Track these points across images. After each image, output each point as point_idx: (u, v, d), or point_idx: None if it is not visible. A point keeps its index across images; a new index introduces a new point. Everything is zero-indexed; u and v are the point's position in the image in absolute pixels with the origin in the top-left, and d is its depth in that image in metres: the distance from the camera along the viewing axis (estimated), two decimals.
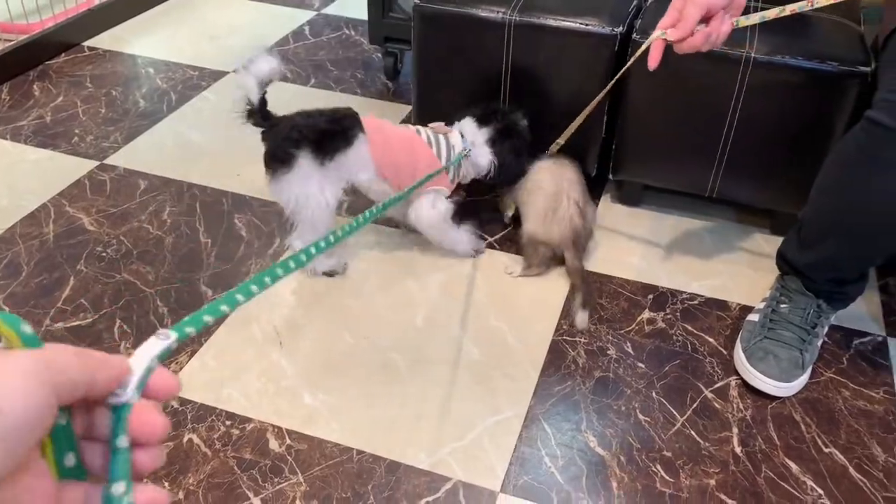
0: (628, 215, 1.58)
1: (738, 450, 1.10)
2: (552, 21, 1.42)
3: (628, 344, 1.27)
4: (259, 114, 1.24)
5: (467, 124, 1.39)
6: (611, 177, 1.56)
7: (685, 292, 1.38)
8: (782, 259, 1.23)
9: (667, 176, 1.52)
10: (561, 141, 1.42)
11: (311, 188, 1.26)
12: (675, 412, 1.16)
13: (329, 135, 1.26)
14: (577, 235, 1.36)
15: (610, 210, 1.59)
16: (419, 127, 1.38)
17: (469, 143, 1.37)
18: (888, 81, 1.03)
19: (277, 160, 1.25)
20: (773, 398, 1.17)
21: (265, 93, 1.25)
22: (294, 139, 1.24)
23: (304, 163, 1.24)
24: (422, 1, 1.49)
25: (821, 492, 1.05)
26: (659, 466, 1.08)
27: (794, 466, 1.08)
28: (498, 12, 1.44)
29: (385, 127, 1.34)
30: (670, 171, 1.51)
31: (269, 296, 1.34)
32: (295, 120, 1.26)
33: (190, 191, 1.60)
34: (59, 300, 1.31)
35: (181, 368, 1.19)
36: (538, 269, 1.39)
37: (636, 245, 1.50)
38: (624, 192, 1.60)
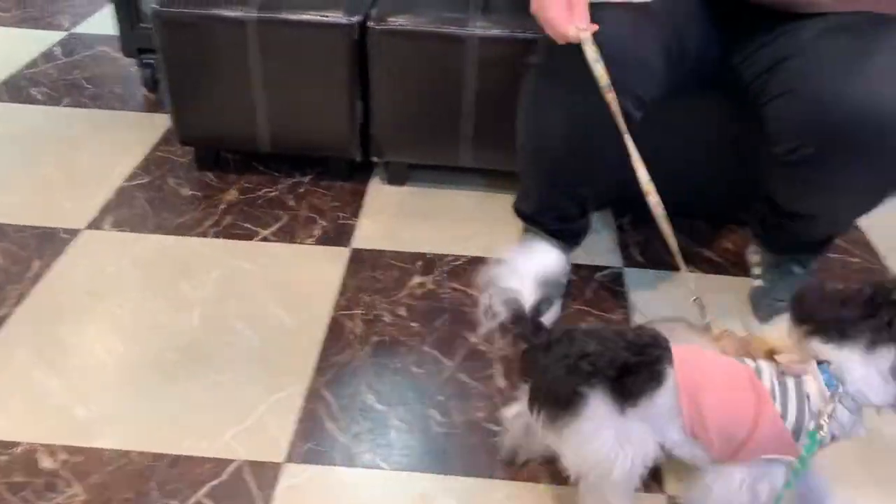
0: (396, 194, 1.67)
1: (501, 384, 1.22)
2: (292, 16, 1.48)
3: (402, 308, 1.36)
4: (530, 323, 0.93)
5: (848, 355, 0.83)
6: (374, 159, 1.65)
7: (450, 255, 1.49)
8: (517, 213, 1.37)
9: (421, 152, 1.63)
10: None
11: (606, 445, 0.87)
12: (445, 361, 1.25)
13: (632, 368, 0.86)
14: None
15: (380, 191, 1.68)
16: (759, 360, 0.90)
17: (842, 386, 0.83)
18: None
19: (558, 401, 0.88)
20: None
21: (540, 301, 0.94)
22: (585, 372, 0.86)
23: (599, 407, 0.87)
24: (160, 5, 1.49)
25: None
26: (433, 411, 1.16)
27: None
28: (238, 10, 1.47)
29: (700, 358, 0.90)
30: (423, 148, 1.62)
31: (31, 319, 1.29)
32: (582, 342, 0.88)
33: None
34: None
35: None
36: None
37: (404, 221, 1.59)
38: (390, 172, 1.69)
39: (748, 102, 1.18)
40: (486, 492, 1.05)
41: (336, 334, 1.29)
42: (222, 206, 1.59)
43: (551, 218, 1.31)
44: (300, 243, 1.50)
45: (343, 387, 1.19)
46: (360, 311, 1.34)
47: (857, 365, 0.83)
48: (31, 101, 1.95)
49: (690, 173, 1.54)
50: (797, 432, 0.85)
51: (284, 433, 1.11)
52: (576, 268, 1.45)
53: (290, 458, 1.08)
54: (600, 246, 1.53)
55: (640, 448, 0.87)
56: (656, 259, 1.50)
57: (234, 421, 1.13)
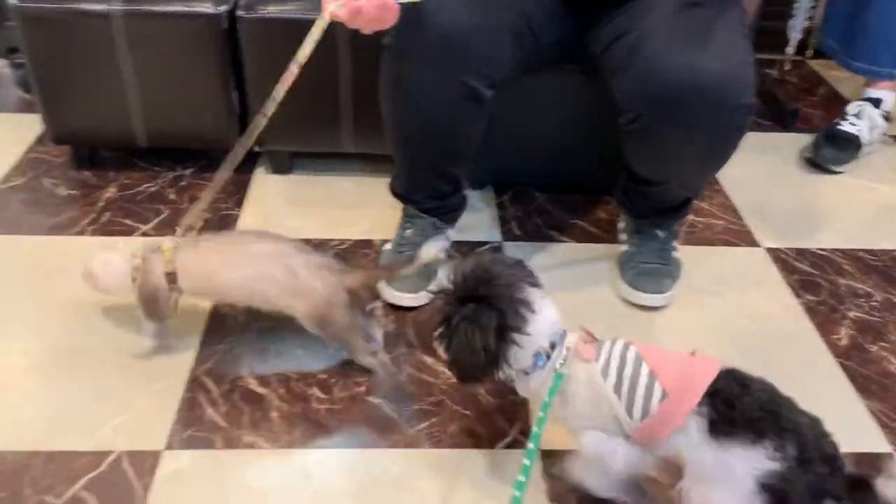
0: (281, 183, 1.68)
1: (384, 357, 1.25)
2: (158, 7, 1.46)
3: None
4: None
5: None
6: (257, 148, 1.65)
7: (336, 239, 1.51)
8: (393, 193, 1.41)
9: (301, 139, 1.64)
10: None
11: None
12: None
13: None
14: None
15: (264, 180, 1.68)
16: None
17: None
18: None
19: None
20: (410, 309, 1.34)
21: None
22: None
23: None
24: (21, 0, 1.45)
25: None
26: (315, 389, 1.19)
27: (429, 360, 1.25)
28: (102, 3, 1.45)
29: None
30: (303, 135, 1.63)
31: None
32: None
33: None
34: None
35: None
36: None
37: (288, 209, 1.60)
38: (273, 161, 1.70)
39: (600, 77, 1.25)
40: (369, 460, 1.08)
41: (217, 323, 1.30)
42: (100, 204, 1.57)
43: (424, 196, 1.36)
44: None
45: (224, 373, 1.20)
46: None
47: None
48: None
49: (561, 149, 1.61)
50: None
51: (164, 422, 1.12)
52: (457, 244, 1.49)
53: (170, 446, 1.08)
54: (481, 222, 1.58)
55: None
56: (534, 233, 1.56)
57: (113, 414, 1.12)
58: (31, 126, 1.80)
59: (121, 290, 1.18)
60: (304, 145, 1.67)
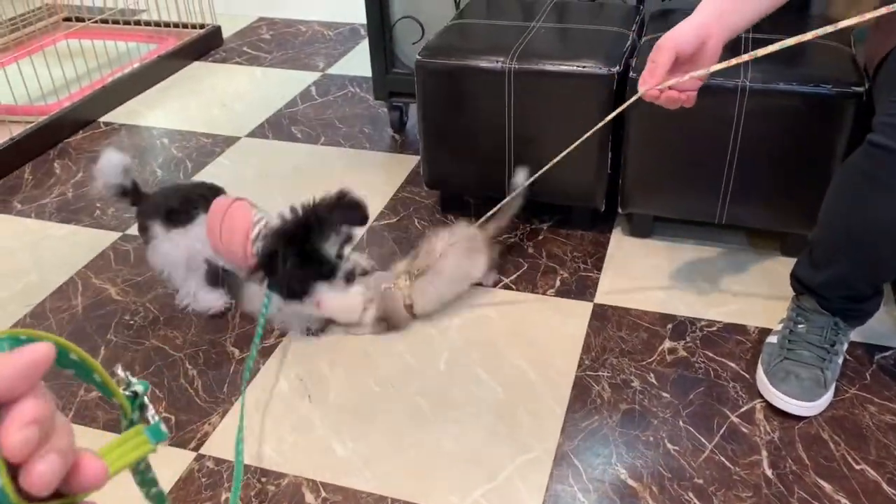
0: (640, 247, 1.60)
1: (768, 472, 1.10)
2: (550, 66, 1.47)
3: (651, 375, 1.29)
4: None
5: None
6: (620, 210, 1.59)
7: (703, 319, 1.40)
8: (796, 280, 1.25)
9: (674, 206, 1.55)
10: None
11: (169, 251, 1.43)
12: (703, 439, 1.16)
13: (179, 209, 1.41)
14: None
15: (622, 242, 1.62)
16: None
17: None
18: (885, 105, 1.06)
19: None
20: (799, 419, 1.18)
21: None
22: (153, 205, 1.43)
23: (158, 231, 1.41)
24: (423, 56, 1.55)
25: None
26: (691, 494, 1.08)
27: (826, 486, 1.08)
28: (497, 62, 1.49)
29: (227, 206, 1.38)
30: (677, 201, 1.54)
31: (292, 350, 1.37)
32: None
33: None
34: None
35: (214, 429, 1.21)
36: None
37: (650, 276, 1.52)
38: (634, 224, 1.63)
39: None
40: None
41: (581, 395, 1.25)
42: None
43: (839, 296, 1.18)
44: (541, 293, 1.48)
45: (592, 455, 1.14)
46: (606, 374, 1.29)
47: None
48: (291, 138, 2.11)
49: None
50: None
51: (534, 498, 1.08)
52: (851, 346, 1.29)
53: None
54: (879, 321, 1.36)
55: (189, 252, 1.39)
56: None
57: (484, 478, 1.12)
58: (400, 166, 1.93)
59: (348, 316, 1.37)
60: (669, 211, 1.57)
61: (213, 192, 1.42)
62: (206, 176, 1.94)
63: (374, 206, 1.79)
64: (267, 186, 1.88)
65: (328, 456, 1.16)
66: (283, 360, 1.35)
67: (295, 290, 1.28)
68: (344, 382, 1.30)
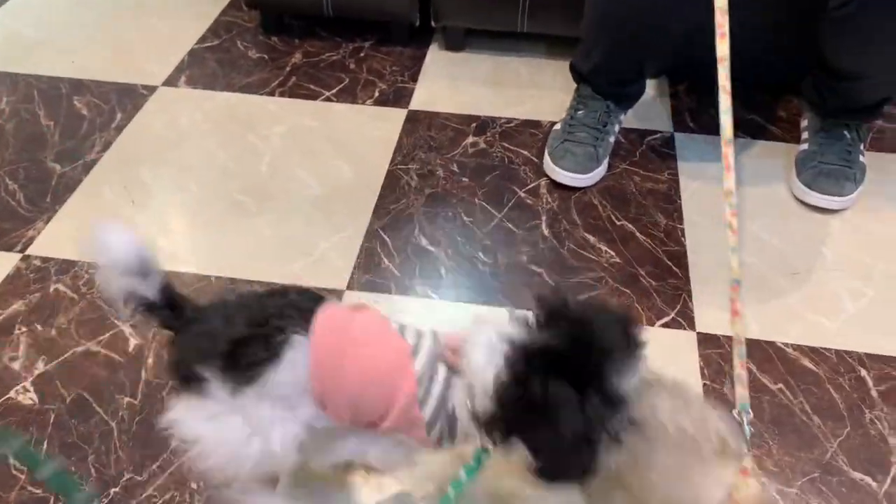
0: (454, 59, 1.71)
1: (546, 232, 1.29)
2: None
3: (454, 165, 1.43)
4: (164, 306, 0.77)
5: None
6: (433, 24, 1.68)
7: (503, 118, 1.54)
8: (573, 70, 1.41)
9: (482, 17, 1.65)
10: None
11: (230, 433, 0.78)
12: (493, 211, 1.33)
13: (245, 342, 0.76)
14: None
15: (437, 56, 1.72)
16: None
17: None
18: None
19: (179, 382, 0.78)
20: (575, 189, 1.37)
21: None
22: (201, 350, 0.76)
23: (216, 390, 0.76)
24: None
25: (612, 253, 1.26)
26: (480, 253, 1.25)
27: (591, 238, 1.28)
28: None
29: (349, 323, 0.77)
30: (484, 13, 1.64)
31: (115, 160, 1.41)
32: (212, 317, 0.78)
33: (25, 80, 1.61)
34: None
35: (38, 234, 1.26)
36: None
37: (460, 85, 1.64)
38: (448, 38, 1.73)
39: None
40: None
41: (392, 185, 1.38)
42: (287, 69, 1.67)
43: (607, 80, 1.35)
44: (361, 104, 1.58)
45: (398, 230, 1.29)
46: (415, 167, 1.42)
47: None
48: None
49: (750, 42, 1.53)
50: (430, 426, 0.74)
51: (345, 266, 1.22)
52: (626, 131, 1.48)
53: (351, 287, 1.19)
54: (653, 112, 1.56)
55: (269, 432, 0.75)
56: (708, 125, 1.52)
57: (302, 255, 1.24)
58: None
59: None
60: (480, 22, 1.68)
61: (312, 299, 0.78)
62: (18, 5, 1.85)
63: (196, 30, 1.79)
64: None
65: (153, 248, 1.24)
66: (106, 170, 1.39)
67: (582, 463, 0.65)
68: (167, 188, 1.37)
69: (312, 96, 1.59)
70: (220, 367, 0.73)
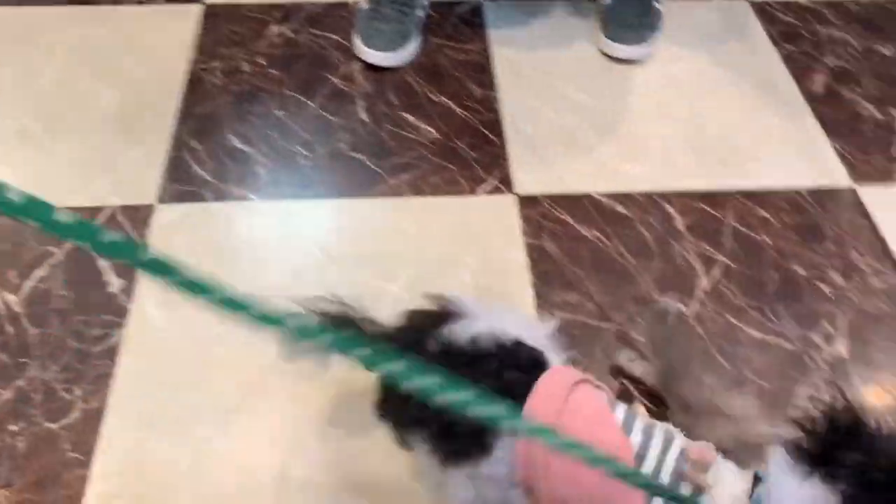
0: None
1: (363, 116, 1.26)
2: None
3: (261, 58, 1.35)
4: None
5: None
6: None
7: (308, 2, 1.47)
8: None
9: None
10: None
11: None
12: (308, 101, 1.28)
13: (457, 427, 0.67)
14: None
15: None
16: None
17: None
18: None
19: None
20: (389, 69, 1.34)
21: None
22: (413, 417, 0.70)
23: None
24: None
25: (431, 129, 1.25)
26: (298, 147, 1.21)
27: (409, 117, 1.27)
28: None
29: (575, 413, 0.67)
30: None
31: None
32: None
33: None
34: None
35: None
36: None
37: None
38: None
39: None
40: (352, 208, 1.13)
41: (195, 87, 1.29)
42: None
43: None
44: (149, 3, 1.45)
45: (208, 134, 1.22)
46: (218, 64, 1.34)
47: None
48: None
49: None
50: None
51: (153, 178, 1.15)
52: (434, 4, 1.45)
53: (162, 200, 1.12)
54: None
55: None
56: None
57: (103, 172, 1.15)
58: None
59: None
60: None
61: (533, 361, 0.69)
62: None
63: None
64: None
65: None
66: None
67: None
68: None
69: (94, 0, 1.44)
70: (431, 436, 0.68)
